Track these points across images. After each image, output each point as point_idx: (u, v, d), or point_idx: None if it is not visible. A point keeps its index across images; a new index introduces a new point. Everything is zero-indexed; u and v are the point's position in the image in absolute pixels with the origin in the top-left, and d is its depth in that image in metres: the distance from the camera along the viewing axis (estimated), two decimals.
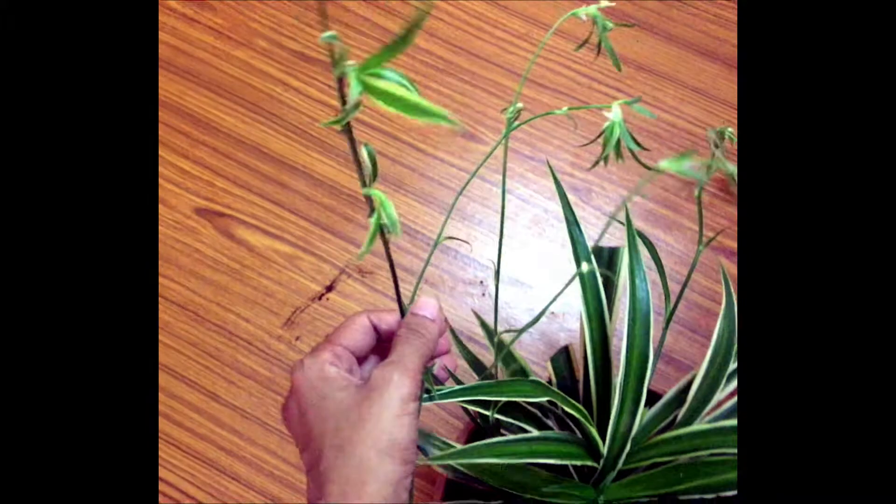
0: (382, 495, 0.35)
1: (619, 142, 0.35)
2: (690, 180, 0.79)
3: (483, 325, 0.57)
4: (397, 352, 0.39)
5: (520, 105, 0.39)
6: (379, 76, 0.29)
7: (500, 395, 0.45)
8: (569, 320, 0.74)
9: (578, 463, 0.47)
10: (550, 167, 0.51)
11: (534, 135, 0.81)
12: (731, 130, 0.51)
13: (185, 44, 0.84)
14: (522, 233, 0.77)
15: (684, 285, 0.53)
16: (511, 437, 0.47)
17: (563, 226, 0.78)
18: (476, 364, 0.55)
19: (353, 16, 0.86)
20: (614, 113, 0.35)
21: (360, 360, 0.43)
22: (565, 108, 0.39)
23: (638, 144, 0.35)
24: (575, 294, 0.74)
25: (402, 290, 0.74)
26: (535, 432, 0.48)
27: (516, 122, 0.38)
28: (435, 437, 0.53)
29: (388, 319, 0.43)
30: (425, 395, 0.43)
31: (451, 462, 0.48)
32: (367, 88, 0.29)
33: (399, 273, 0.75)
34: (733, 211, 0.77)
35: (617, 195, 0.78)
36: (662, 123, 0.81)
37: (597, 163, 0.37)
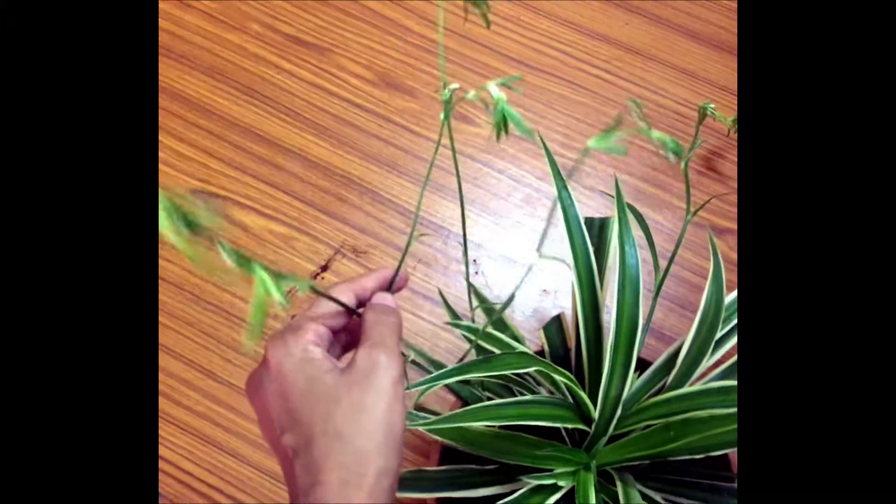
0: (382, 486, 0.36)
1: (506, 120, 0.34)
2: (675, 159, 0.80)
3: (477, 294, 0.58)
4: (376, 333, 0.39)
5: (454, 85, 0.37)
6: None
7: (489, 371, 0.46)
8: (561, 297, 0.75)
9: (570, 426, 0.48)
10: (542, 139, 0.52)
11: (525, 116, 0.82)
12: (713, 106, 0.53)
13: (180, 28, 0.85)
14: (514, 212, 0.78)
15: (672, 255, 0.54)
16: (501, 400, 0.48)
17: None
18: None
19: (349, 1, 0.87)
20: (494, 92, 0.33)
21: (342, 331, 0.42)
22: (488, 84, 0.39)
23: (525, 130, 0.35)
24: (567, 272, 0.76)
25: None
26: (526, 395, 0.49)
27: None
28: (427, 411, 0.54)
29: (368, 285, 0.42)
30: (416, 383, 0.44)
31: (441, 428, 0.49)
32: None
33: (393, 252, 0.76)
34: (719, 188, 0.78)
35: (607, 175, 0.79)
36: (650, 104, 0.83)
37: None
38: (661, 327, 0.73)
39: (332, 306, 0.41)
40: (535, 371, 0.52)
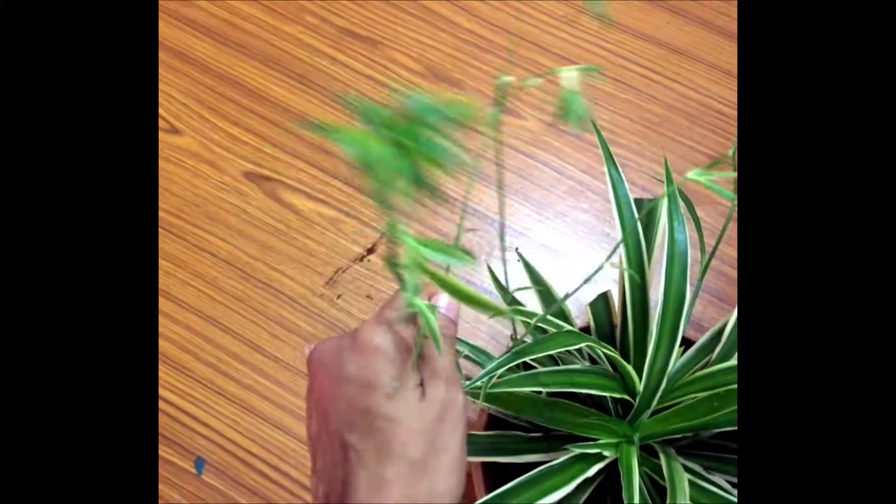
0: None
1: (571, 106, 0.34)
2: (722, 158, 0.82)
3: (535, 278, 0.59)
4: (449, 366, 0.38)
5: (508, 77, 0.37)
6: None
7: (543, 351, 0.47)
8: (601, 284, 0.76)
9: (616, 395, 0.49)
10: (597, 127, 0.54)
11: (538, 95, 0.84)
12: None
13: (238, 18, 0.88)
14: (558, 203, 0.80)
15: (714, 249, 0.55)
16: (552, 367, 0.50)
17: (598, 197, 0.81)
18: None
19: None
20: (567, 77, 0.33)
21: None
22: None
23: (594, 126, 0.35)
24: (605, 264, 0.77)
25: None
26: (576, 364, 0.51)
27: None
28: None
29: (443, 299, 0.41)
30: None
31: (491, 392, 0.50)
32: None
33: (436, 237, 0.78)
34: None
35: (650, 169, 0.81)
36: (693, 103, 0.84)
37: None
38: (700, 319, 0.74)
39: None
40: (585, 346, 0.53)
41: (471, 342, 0.74)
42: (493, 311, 0.32)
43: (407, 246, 0.30)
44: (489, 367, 0.43)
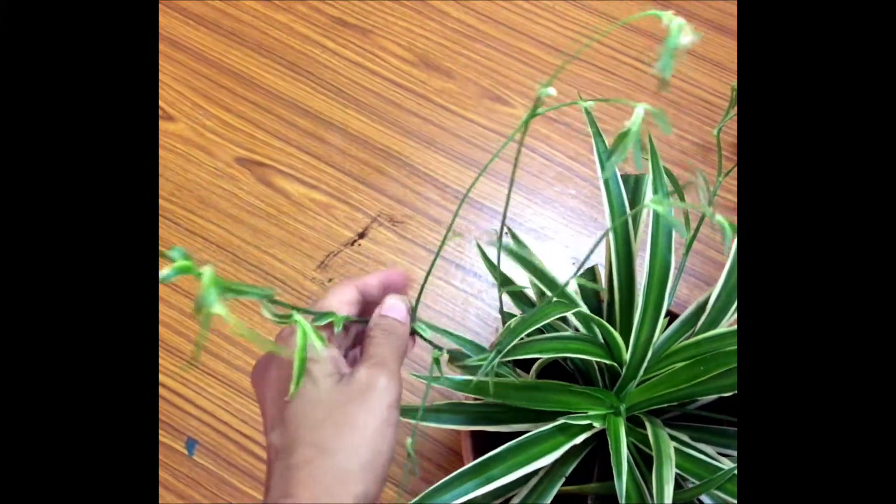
0: None
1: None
2: (707, 144, 0.83)
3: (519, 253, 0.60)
4: (379, 353, 0.38)
5: (550, 90, 0.33)
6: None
7: (536, 324, 0.48)
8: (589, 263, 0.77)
9: (606, 361, 0.50)
10: (587, 109, 0.55)
11: (558, 99, 0.85)
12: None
13: (231, 7, 0.89)
14: (546, 189, 0.81)
15: (699, 225, 0.57)
16: (547, 335, 0.51)
17: (586, 183, 0.82)
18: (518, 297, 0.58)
19: None
20: (634, 119, 0.29)
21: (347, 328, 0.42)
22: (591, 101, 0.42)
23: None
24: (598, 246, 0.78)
25: (430, 238, 0.78)
26: (568, 332, 0.52)
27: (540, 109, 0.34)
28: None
29: (372, 284, 0.42)
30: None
31: (477, 385, 0.51)
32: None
33: (428, 223, 0.79)
34: None
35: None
36: (681, 92, 0.86)
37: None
38: (684, 302, 0.75)
39: (344, 300, 0.40)
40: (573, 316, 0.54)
41: (459, 323, 0.74)
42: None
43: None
44: (491, 353, 0.44)
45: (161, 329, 0.74)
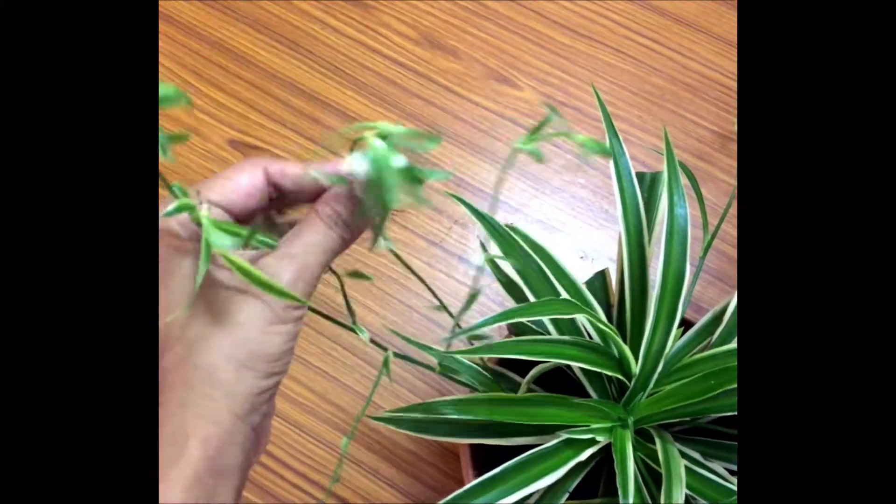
0: (232, 410, 0.29)
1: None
2: (726, 133, 0.79)
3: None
4: (301, 241, 0.31)
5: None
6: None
7: (531, 315, 0.45)
8: (598, 264, 0.74)
9: (609, 373, 0.47)
10: (600, 100, 0.51)
11: (568, 81, 0.81)
12: None
13: None
14: (554, 178, 0.77)
15: (716, 229, 0.53)
16: (542, 336, 0.47)
17: (596, 172, 0.78)
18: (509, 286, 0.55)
19: None
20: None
21: (244, 222, 0.34)
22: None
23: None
24: (607, 239, 0.74)
25: (432, 228, 0.75)
26: (567, 336, 0.48)
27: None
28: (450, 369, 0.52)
29: (292, 173, 0.33)
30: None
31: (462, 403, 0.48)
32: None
33: (428, 212, 0.75)
34: None
35: (651, 144, 0.78)
36: (696, 75, 0.81)
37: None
38: (700, 300, 0.72)
39: (231, 182, 0.32)
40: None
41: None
42: (285, 296, 0.29)
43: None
44: (475, 324, 0.40)
45: None
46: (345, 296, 0.37)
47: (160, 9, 0.83)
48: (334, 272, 0.35)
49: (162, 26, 0.83)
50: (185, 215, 0.30)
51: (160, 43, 0.82)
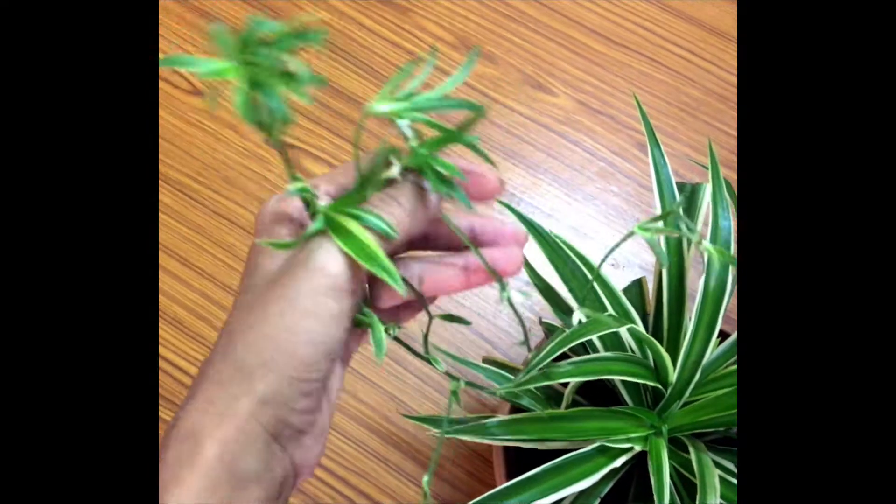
0: (259, 419, 0.26)
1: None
2: None
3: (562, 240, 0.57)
4: (404, 195, 0.29)
5: None
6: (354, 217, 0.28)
7: (583, 337, 0.45)
8: (629, 273, 0.74)
9: (649, 384, 0.47)
10: (641, 108, 0.51)
11: (603, 89, 0.81)
12: None
13: None
14: (587, 185, 0.77)
15: None
16: (585, 356, 0.48)
17: (629, 181, 0.78)
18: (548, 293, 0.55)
19: None
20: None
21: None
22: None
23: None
24: (638, 248, 0.75)
25: None
26: (608, 352, 0.49)
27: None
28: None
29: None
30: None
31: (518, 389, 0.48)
32: (331, 226, 0.28)
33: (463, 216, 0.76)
34: None
35: (684, 154, 0.78)
36: (730, 86, 0.81)
37: None
38: (730, 310, 0.72)
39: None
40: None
41: (491, 322, 0.72)
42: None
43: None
44: (535, 360, 0.41)
45: (184, 313, 0.72)
46: (427, 332, 0.36)
47: (201, 7, 0.84)
48: (428, 312, 0.33)
49: (200, 22, 0.84)
50: (299, 205, 0.30)
51: (200, 40, 0.83)
